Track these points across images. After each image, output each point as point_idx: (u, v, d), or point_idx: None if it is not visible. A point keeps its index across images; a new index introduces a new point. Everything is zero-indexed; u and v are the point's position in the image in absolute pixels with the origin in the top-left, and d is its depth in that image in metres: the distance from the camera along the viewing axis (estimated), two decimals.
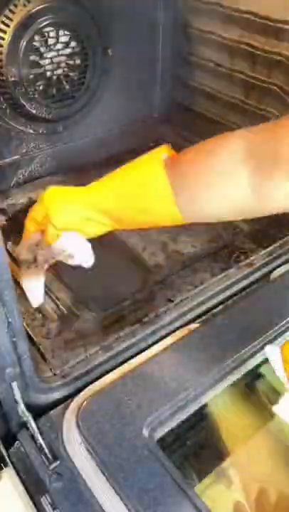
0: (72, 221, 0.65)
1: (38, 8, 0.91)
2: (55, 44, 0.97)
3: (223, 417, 0.69)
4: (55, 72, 0.99)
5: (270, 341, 0.71)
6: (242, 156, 0.53)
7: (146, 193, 0.61)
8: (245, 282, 0.84)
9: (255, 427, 0.71)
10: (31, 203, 1.05)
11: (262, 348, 0.69)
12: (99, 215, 0.65)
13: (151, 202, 0.61)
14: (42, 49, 0.96)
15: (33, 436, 0.59)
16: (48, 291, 0.82)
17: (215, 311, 0.78)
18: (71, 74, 1.02)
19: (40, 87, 0.99)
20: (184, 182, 0.59)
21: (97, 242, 0.94)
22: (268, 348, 0.68)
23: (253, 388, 0.75)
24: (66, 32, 0.97)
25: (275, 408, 0.68)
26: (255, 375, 0.74)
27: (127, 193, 0.64)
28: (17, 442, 0.60)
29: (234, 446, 0.68)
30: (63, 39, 0.98)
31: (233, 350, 0.68)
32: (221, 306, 0.79)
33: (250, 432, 0.70)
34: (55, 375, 0.67)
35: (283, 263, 0.88)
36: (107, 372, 0.67)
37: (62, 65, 1.00)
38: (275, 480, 0.65)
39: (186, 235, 0.96)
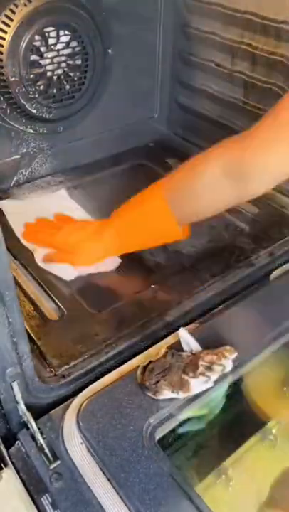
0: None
1: (38, 8, 0.91)
2: (55, 44, 0.97)
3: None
4: (55, 72, 0.99)
5: (270, 341, 0.71)
6: (221, 173, 0.70)
7: (147, 210, 0.79)
8: (245, 282, 0.84)
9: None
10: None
11: None
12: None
13: (152, 217, 0.79)
14: (42, 49, 0.96)
15: (33, 436, 0.59)
16: (48, 290, 0.82)
17: (215, 311, 0.78)
18: (71, 74, 1.02)
19: (41, 87, 0.99)
20: (177, 197, 0.76)
21: None
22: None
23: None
24: (66, 32, 0.97)
25: None
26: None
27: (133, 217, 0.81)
28: (17, 442, 0.60)
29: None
30: (64, 39, 0.98)
31: None
32: (221, 306, 0.79)
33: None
34: (55, 375, 0.67)
35: (283, 263, 0.88)
36: (107, 372, 0.67)
37: (63, 65, 1.00)
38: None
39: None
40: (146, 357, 0.68)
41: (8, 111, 0.99)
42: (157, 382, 0.62)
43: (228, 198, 0.74)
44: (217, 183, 0.71)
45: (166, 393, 0.61)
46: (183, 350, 0.67)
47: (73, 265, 0.83)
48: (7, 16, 0.90)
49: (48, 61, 0.97)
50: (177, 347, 0.68)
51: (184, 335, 0.68)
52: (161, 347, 0.68)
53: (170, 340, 0.71)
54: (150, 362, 0.65)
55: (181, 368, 0.63)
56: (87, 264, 0.84)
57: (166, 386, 0.61)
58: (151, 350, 0.70)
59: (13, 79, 0.94)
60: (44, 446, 0.58)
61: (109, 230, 0.81)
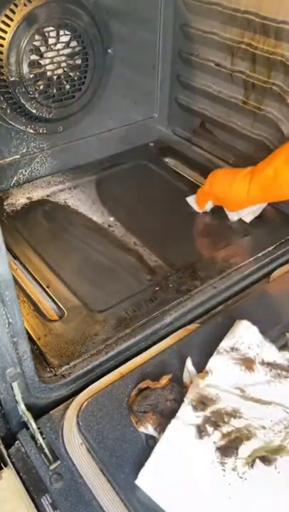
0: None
1: (38, 7, 0.91)
2: (55, 44, 0.97)
3: None
4: (55, 72, 0.99)
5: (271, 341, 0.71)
6: None
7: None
8: (245, 282, 0.84)
9: None
10: (31, 203, 1.06)
11: None
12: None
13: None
14: (42, 49, 0.96)
15: (33, 436, 0.59)
16: (48, 290, 0.82)
17: (215, 311, 0.78)
18: (71, 74, 1.02)
19: (41, 87, 0.99)
20: None
21: (98, 243, 0.94)
22: None
23: None
24: (66, 32, 0.97)
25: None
26: None
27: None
28: (17, 442, 0.60)
29: None
30: (64, 39, 0.98)
31: None
32: (221, 306, 0.79)
33: None
34: (55, 375, 0.67)
35: (283, 263, 0.88)
36: (108, 372, 0.67)
37: (63, 64, 1.00)
38: None
39: (185, 236, 0.97)
40: (149, 355, 0.67)
41: (8, 111, 1.00)
42: (145, 412, 0.58)
43: None
44: None
45: (149, 428, 0.57)
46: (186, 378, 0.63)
47: (227, 209, 0.98)
48: (7, 16, 0.90)
49: (48, 61, 0.97)
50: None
51: (188, 364, 0.64)
52: (165, 378, 0.62)
53: (170, 341, 0.71)
54: (148, 387, 0.61)
55: (173, 412, 0.58)
56: (233, 209, 0.97)
57: (152, 422, 0.57)
58: (151, 350, 0.70)
59: (13, 79, 0.94)
60: (44, 446, 0.58)
61: (253, 179, 0.87)
